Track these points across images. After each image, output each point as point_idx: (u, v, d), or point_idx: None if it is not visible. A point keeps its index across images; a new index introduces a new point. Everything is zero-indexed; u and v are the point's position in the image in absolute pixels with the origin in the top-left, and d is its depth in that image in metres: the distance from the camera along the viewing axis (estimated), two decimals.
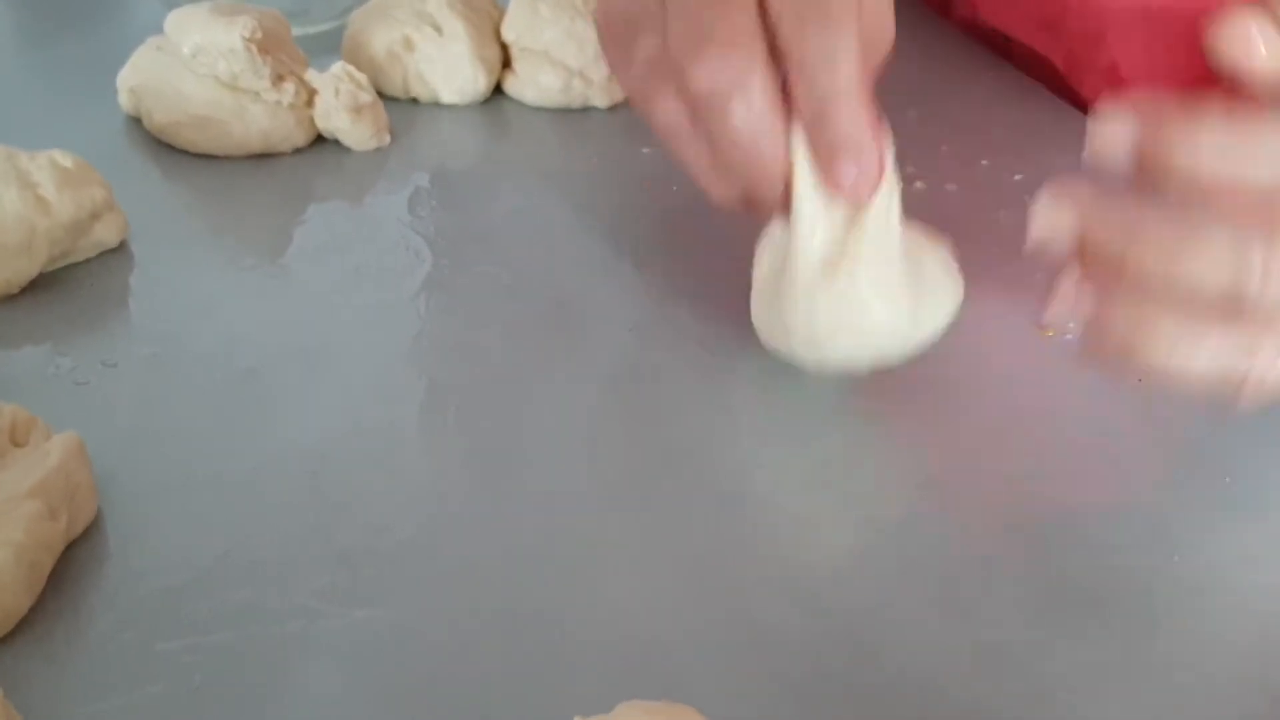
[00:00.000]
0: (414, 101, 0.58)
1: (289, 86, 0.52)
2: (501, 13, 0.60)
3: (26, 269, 0.43)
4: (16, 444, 0.34)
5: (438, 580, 0.35)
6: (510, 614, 0.34)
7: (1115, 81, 0.59)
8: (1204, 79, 0.57)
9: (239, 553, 0.35)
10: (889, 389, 0.42)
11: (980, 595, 0.35)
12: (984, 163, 0.57)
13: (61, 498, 0.34)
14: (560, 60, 0.58)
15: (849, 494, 0.39)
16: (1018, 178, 0.56)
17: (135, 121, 0.54)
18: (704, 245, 0.50)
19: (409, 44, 0.57)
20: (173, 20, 0.52)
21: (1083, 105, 0.63)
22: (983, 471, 0.40)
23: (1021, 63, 0.66)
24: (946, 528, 0.38)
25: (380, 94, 0.57)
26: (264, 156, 0.53)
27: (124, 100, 0.54)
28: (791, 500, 0.39)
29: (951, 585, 0.35)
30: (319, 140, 0.54)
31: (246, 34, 0.50)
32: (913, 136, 0.57)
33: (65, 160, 0.45)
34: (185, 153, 0.53)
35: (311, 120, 0.53)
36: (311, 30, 0.63)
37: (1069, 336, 0.46)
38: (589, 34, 0.58)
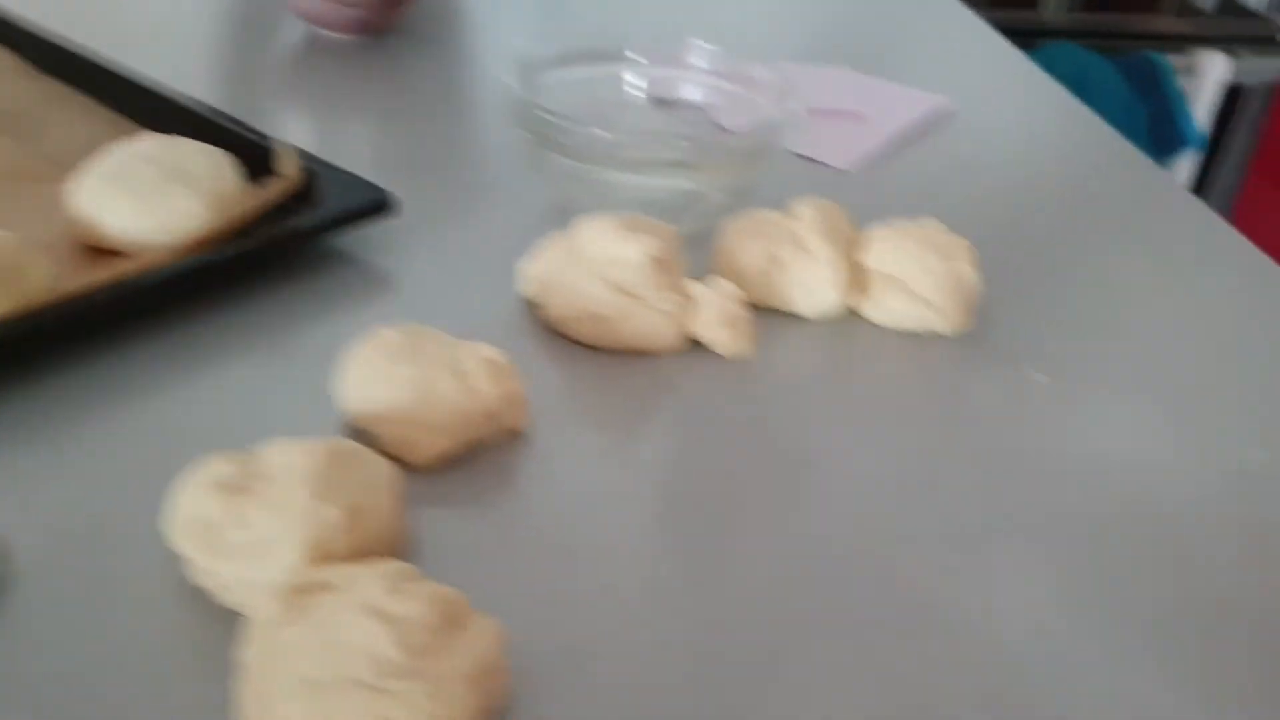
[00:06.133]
0: (771, 310, 0.63)
1: (674, 297, 0.57)
2: (856, 235, 0.64)
3: (452, 447, 0.50)
4: (454, 625, 0.40)
5: None
6: None
7: None
8: None
9: None
10: None
11: None
12: None
13: (485, 679, 0.39)
14: (914, 290, 0.62)
15: None
16: None
17: (527, 304, 0.61)
18: (1033, 484, 0.52)
19: (778, 261, 0.62)
20: (584, 228, 0.59)
21: None
22: None
23: None
24: None
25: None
26: (641, 353, 0.59)
27: (525, 287, 0.61)
28: None
29: None
30: (691, 344, 0.60)
31: (651, 252, 0.56)
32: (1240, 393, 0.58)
33: (491, 353, 0.51)
34: (571, 340, 0.59)
35: (686, 326, 0.58)
36: (681, 231, 0.69)
37: None
38: (941, 268, 0.62)
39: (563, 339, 0.59)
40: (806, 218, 0.63)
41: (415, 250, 0.66)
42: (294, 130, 0.79)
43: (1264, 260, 0.73)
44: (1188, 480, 0.55)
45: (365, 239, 0.65)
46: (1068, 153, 0.90)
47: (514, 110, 0.67)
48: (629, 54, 0.76)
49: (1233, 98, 1.98)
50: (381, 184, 0.64)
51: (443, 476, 0.50)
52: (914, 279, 0.62)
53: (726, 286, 0.58)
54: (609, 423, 0.55)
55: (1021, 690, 0.43)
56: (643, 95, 0.77)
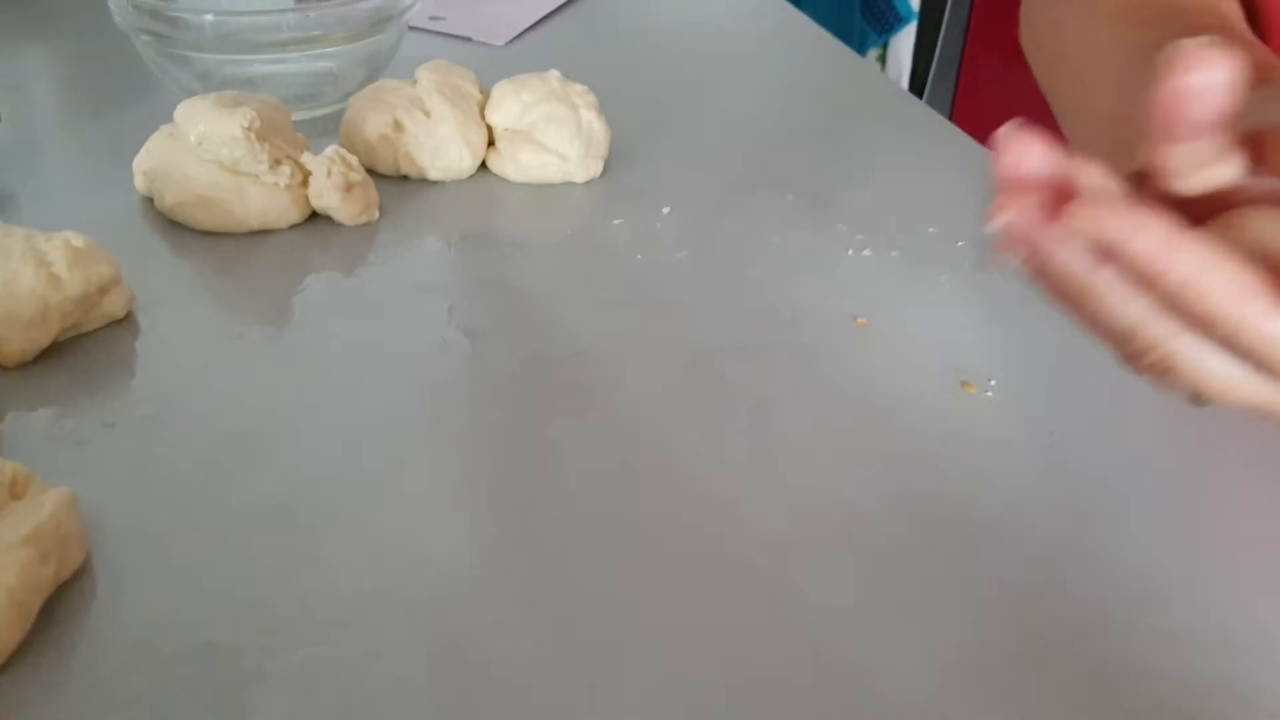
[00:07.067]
0: (404, 179, 0.63)
1: (285, 169, 0.57)
2: (486, 97, 0.64)
3: (39, 339, 0.48)
4: (15, 497, 0.39)
5: (386, 621, 0.39)
6: (455, 654, 0.38)
7: None
8: None
9: (208, 596, 0.39)
10: None
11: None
12: (930, 230, 0.61)
13: (52, 545, 0.38)
14: (540, 140, 0.63)
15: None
16: (960, 244, 0.60)
17: (149, 201, 0.60)
18: (664, 309, 0.54)
19: (399, 126, 0.62)
20: (181, 110, 0.57)
21: None
22: None
23: None
24: None
25: (373, 172, 0.62)
26: (263, 232, 0.58)
27: (139, 182, 0.59)
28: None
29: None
30: (313, 217, 0.59)
31: (245, 123, 0.55)
32: (865, 208, 0.61)
33: (77, 240, 0.50)
34: (192, 230, 0.58)
35: (306, 199, 0.58)
36: (319, 113, 0.69)
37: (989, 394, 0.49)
38: (567, 117, 0.63)
39: (184, 230, 0.58)
40: (425, 80, 0.63)
41: (36, 169, 0.63)
42: None
43: (903, 94, 0.77)
44: (805, 271, 0.57)
45: None
46: (729, 22, 0.92)
47: (125, 17, 0.65)
48: None
49: None
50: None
51: (42, 369, 0.49)
52: (541, 131, 0.63)
53: (341, 153, 0.58)
54: (226, 303, 0.54)
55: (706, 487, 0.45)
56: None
